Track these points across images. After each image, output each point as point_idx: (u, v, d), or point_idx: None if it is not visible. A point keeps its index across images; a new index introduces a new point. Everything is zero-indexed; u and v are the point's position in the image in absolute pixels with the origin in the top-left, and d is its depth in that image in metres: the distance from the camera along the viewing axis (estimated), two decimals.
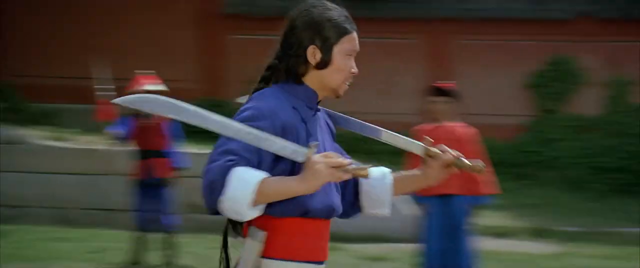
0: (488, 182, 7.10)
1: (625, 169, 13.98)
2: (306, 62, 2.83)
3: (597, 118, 14.59)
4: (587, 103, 14.64)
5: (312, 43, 2.82)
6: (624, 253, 10.32)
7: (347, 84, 2.89)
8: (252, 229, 2.74)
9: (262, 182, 2.59)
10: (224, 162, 2.59)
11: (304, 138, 2.77)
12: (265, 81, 2.88)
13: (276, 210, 2.72)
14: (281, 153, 2.67)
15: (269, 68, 2.88)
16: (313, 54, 2.83)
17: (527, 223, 11.80)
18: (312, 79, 2.85)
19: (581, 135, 14.52)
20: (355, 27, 2.89)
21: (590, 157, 14.26)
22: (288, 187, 2.63)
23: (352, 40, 2.86)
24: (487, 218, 10.23)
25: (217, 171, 2.58)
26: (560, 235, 11.30)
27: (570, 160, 14.27)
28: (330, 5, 2.88)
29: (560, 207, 13.00)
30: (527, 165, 14.36)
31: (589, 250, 10.45)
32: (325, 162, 2.61)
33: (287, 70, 2.85)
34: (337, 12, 2.86)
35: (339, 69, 2.85)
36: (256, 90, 2.86)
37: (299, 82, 2.85)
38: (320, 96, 2.89)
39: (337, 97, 2.90)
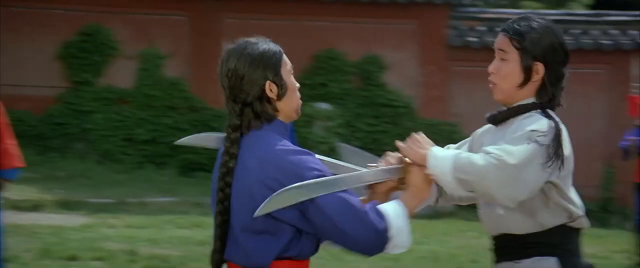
0: (14, 155, 6.81)
1: (157, 141, 14.31)
2: (268, 99, 2.86)
3: (130, 90, 14.70)
4: (121, 75, 14.68)
5: (266, 80, 2.85)
6: (153, 221, 10.62)
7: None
8: None
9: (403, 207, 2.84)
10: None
11: None
12: (235, 143, 2.87)
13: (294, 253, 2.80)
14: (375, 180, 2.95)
15: (236, 128, 2.86)
16: (270, 89, 2.85)
17: (56, 196, 11.62)
18: (280, 112, 2.89)
19: (114, 107, 14.55)
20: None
21: (122, 129, 14.39)
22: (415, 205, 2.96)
23: (286, 60, 2.94)
24: (15, 192, 9.88)
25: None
26: (89, 206, 11.32)
27: (103, 133, 14.27)
28: (253, 39, 2.91)
29: (91, 179, 13.00)
30: (58, 137, 14.10)
31: (117, 220, 10.60)
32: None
33: (257, 116, 2.86)
34: (263, 42, 2.91)
35: (293, 89, 2.91)
36: (230, 152, 2.84)
37: (273, 119, 2.88)
38: (289, 121, 2.95)
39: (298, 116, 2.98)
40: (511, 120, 2.92)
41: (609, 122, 14.66)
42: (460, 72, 14.72)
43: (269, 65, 2.86)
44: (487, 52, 14.54)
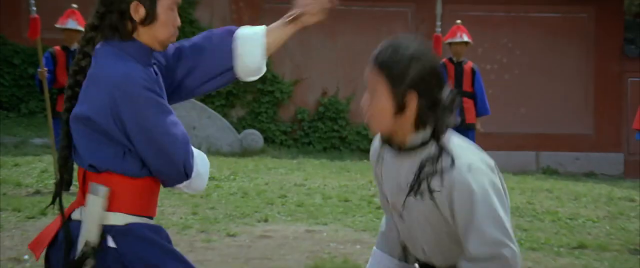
0: None
1: None
2: (131, 18, 2.85)
3: None
4: None
5: (136, 0, 2.84)
6: None
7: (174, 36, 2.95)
8: (94, 185, 2.83)
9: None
10: None
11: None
12: (90, 42, 2.90)
13: (118, 168, 2.82)
14: None
15: (93, 27, 2.88)
16: (136, 11, 2.85)
17: None
18: (141, 35, 2.88)
19: None
20: None
21: None
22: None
23: None
24: None
25: None
26: None
27: None
28: None
29: None
30: None
31: None
32: None
33: (111, 27, 2.85)
34: None
35: (165, 23, 2.90)
36: (83, 51, 2.90)
37: (128, 39, 2.86)
38: (152, 49, 2.91)
39: (165, 49, 2.96)
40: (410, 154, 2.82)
41: None
42: (272, 9, 14.71)
43: None
44: None
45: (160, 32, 2.91)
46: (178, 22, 2.98)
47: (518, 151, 15.11)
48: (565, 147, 15.42)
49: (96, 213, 2.83)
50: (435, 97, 2.75)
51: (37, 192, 9.36)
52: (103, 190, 2.83)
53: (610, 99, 15.56)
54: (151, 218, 2.96)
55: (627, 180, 14.26)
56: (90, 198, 2.84)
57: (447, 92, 2.78)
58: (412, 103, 2.74)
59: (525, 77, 15.56)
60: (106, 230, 2.85)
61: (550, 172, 14.93)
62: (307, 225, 8.21)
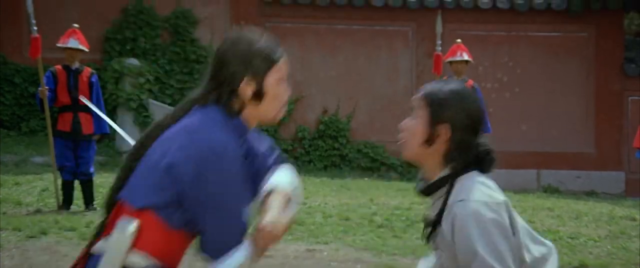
0: None
1: None
2: (239, 96, 2.79)
3: None
4: None
5: (244, 77, 2.78)
6: None
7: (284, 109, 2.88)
8: (126, 219, 2.73)
9: None
10: None
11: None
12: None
13: (163, 214, 2.73)
14: None
15: (195, 101, 2.82)
16: (246, 88, 2.79)
17: None
18: (248, 112, 2.82)
19: None
20: (283, 53, 2.86)
21: None
22: None
23: (282, 68, 2.86)
24: None
25: None
26: None
27: None
28: (256, 36, 2.86)
29: None
30: None
31: None
32: None
33: (219, 102, 2.78)
34: (265, 42, 2.84)
35: (273, 99, 2.83)
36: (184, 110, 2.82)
37: (234, 117, 2.79)
38: (252, 126, 2.85)
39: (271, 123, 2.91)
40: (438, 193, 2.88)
41: (415, 79, 15.13)
42: (273, 28, 14.74)
43: (255, 65, 2.81)
44: (297, 8, 14.70)
45: (266, 109, 2.85)
46: (286, 97, 2.91)
47: (519, 169, 15.09)
48: (566, 166, 15.41)
49: (120, 249, 2.73)
50: (467, 138, 2.85)
51: (38, 211, 9.34)
52: (134, 224, 2.73)
53: (611, 118, 15.56)
54: None
55: (628, 198, 14.24)
56: (118, 231, 2.74)
57: (484, 139, 2.89)
58: (444, 136, 2.83)
59: (525, 95, 15.57)
60: None
61: (551, 190, 14.91)
62: (307, 244, 8.19)
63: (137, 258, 2.74)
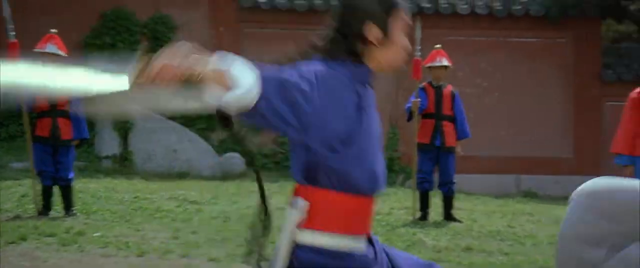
0: None
1: None
2: (364, 40, 2.79)
3: None
4: None
5: (371, 21, 2.79)
6: None
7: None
8: (295, 199, 2.80)
9: None
10: None
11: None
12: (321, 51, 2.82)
13: (321, 182, 2.74)
14: None
15: (314, 47, 2.84)
16: (371, 31, 2.79)
17: None
18: (371, 57, 2.82)
19: None
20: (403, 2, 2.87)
21: None
22: None
23: (404, 16, 2.88)
24: None
25: None
26: None
27: None
28: None
29: None
30: None
31: None
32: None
33: (345, 51, 2.78)
34: None
35: (398, 43, 2.84)
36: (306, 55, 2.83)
37: (358, 62, 2.79)
38: (376, 73, 2.85)
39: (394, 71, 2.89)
40: None
41: (395, 85, 15.16)
42: (251, 34, 14.74)
43: (378, 9, 2.82)
44: (276, 13, 14.65)
45: (392, 54, 2.88)
46: (408, 45, 2.94)
47: (498, 174, 15.15)
48: (545, 171, 15.49)
49: (289, 228, 2.81)
50: None
51: (17, 217, 9.28)
52: (301, 204, 2.80)
53: (589, 123, 15.66)
54: (358, 236, 2.85)
55: None
56: (289, 211, 2.84)
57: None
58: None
59: (505, 100, 15.64)
60: (297, 248, 2.81)
61: (530, 195, 14.97)
62: None
63: (307, 237, 2.85)
